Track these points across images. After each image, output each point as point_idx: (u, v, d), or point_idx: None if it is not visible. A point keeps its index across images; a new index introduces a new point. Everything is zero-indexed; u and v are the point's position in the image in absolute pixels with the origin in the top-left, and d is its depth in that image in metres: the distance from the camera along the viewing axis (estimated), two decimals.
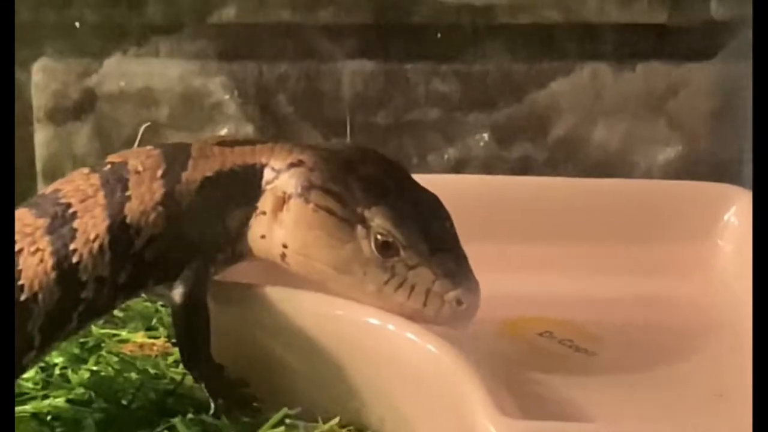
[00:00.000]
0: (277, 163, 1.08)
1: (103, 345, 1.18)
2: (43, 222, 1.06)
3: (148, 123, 1.25)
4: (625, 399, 1.07)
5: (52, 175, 1.25)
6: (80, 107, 1.27)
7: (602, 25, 1.26)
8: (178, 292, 1.07)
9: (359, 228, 1.05)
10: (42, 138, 1.27)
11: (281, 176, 1.07)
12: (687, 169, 1.27)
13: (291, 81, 1.26)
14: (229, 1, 1.26)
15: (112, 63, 1.26)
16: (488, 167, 1.27)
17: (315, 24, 1.25)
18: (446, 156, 1.27)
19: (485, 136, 1.26)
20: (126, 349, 1.18)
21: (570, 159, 1.27)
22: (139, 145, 1.16)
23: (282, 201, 1.07)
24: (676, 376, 1.10)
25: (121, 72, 1.26)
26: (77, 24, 1.26)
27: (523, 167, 1.27)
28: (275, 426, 1.05)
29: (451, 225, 1.07)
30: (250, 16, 1.25)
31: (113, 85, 1.26)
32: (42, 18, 1.25)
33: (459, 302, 1.04)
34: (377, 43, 1.26)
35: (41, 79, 1.26)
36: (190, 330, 1.08)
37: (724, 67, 1.26)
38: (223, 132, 1.27)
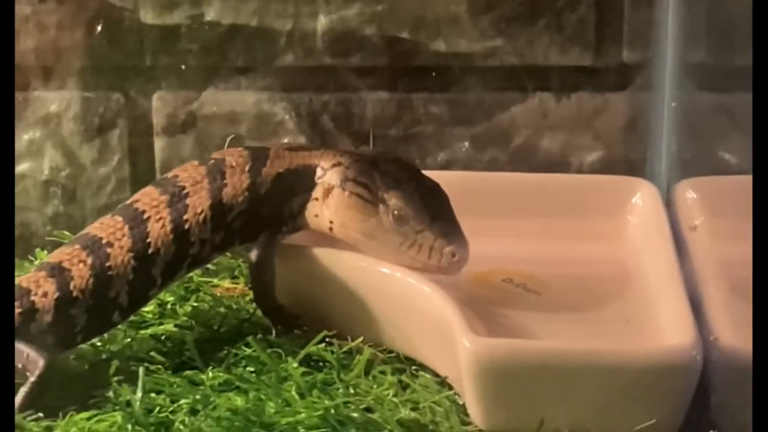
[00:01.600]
0: (325, 163, 1.08)
1: (200, 288, 1.18)
2: (165, 198, 1.07)
3: (232, 135, 1.25)
4: (562, 326, 1.07)
5: (166, 172, 1.24)
6: (185, 125, 1.27)
7: (547, 66, 1.25)
8: (254, 254, 1.08)
9: (381, 207, 1.06)
10: (159, 146, 1.27)
11: (327, 173, 1.08)
12: (607, 167, 1.27)
13: (331, 106, 1.26)
14: (288, 50, 1.25)
15: (208, 94, 1.26)
16: (467, 166, 1.27)
17: (347, 66, 1.25)
18: (438, 158, 1.27)
19: (466, 144, 1.26)
20: (216, 291, 1.18)
21: (525, 160, 1.27)
22: None
23: (328, 190, 1.07)
24: (597, 309, 1.09)
25: (214, 100, 1.26)
26: (183, 67, 1.25)
27: (492, 166, 1.27)
28: (317, 343, 1.05)
29: (448, 202, 1.07)
30: (302, 61, 1.25)
31: (208, 110, 1.26)
32: (159, 63, 1.26)
33: (453, 255, 1.04)
34: (391, 79, 1.26)
35: (159, 105, 1.26)
36: (261, 280, 1.09)
37: (632, 96, 1.26)
38: (285, 141, 1.25)
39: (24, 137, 1.27)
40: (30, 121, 1.27)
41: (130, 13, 1.24)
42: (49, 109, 1.27)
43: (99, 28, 1.24)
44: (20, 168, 1.28)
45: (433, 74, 1.25)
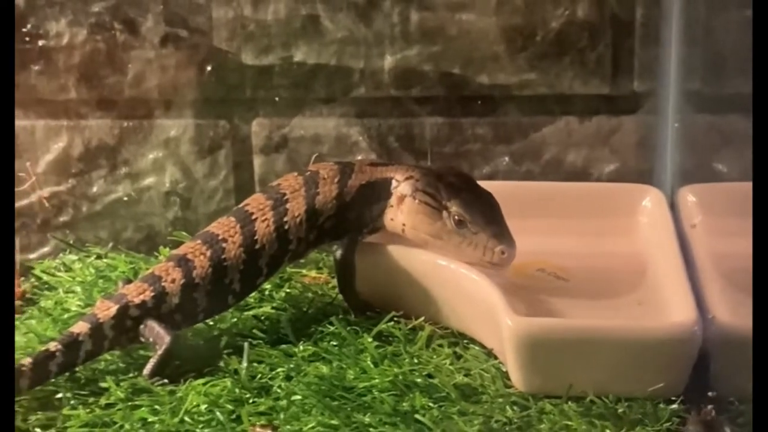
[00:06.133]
0: (399, 176, 1.08)
1: (292, 277, 1.18)
2: (269, 202, 1.07)
3: (316, 154, 1.25)
4: (586, 307, 1.07)
5: (264, 185, 1.24)
6: (279, 145, 1.27)
7: (572, 95, 1.25)
8: (338, 252, 1.09)
9: (444, 212, 1.06)
10: (257, 163, 1.27)
11: (401, 184, 1.08)
12: (621, 177, 1.26)
13: (396, 129, 1.26)
14: (361, 84, 1.25)
15: (297, 120, 1.26)
16: (507, 177, 1.26)
17: (409, 96, 1.25)
18: (484, 171, 1.26)
19: (506, 159, 1.25)
20: (304, 279, 1.18)
21: (554, 171, 1.26)
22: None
23: (402, 199, 1.08)
24: (614, 293, 1.09)
25: (301, 125, 1.26)
26: (276, 98, 1.25)
27: (527, 177, 1.26)
28: (387, 322, 1.06)
29: (499, 208, 1.07)
30: (372, 93, 1.25)
31: (297, 133, 1.26)
32: (257, 96, 1.26)
33: (503, 252, 1.04)
34: (445, 107, 1.25)
35: (257, 129, 1.26)
36: (344, 272, 1.09)
37: (642, 118, 1.25)
38: (359, 158, 1.25)
39: (149, 156, 1.28)
40: (154, 143, 1.28)
41: (234, 56, 1.25)
42: (169, 134, 1.27)
43: (209, 68, 1.25)
44: (146, 182, 1.29)
45: (479, 102, 1.25)
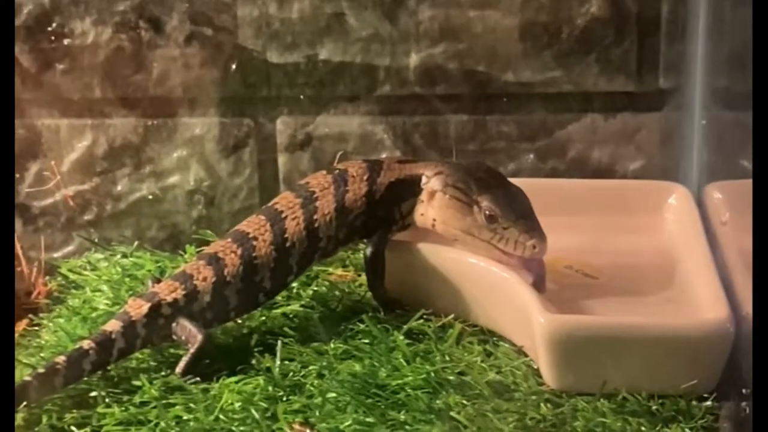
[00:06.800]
0: (429, 172, 1.09)
1: (318, 276, 1.19)
2: (299, 201, 1.07)
3: (341, 152, 1.25)
4: (615, 304, 1.07)
5: (288, 183, 1.24)
6: (303, 143, 1.27)
7: (597, 92, 1.24)
8: (368, 250, 1.09)
9: (475, 208, 1.06)
10: (282, 161, 1.27)
11: (431, 180, 1.08)
12: (646, 174, 1.26)
13: (421, 126, 1.26)
14: (385, 82, 1.25)
15: (321, 118, 1.26)
16: (532, 174, 1.26)
17: (434, 94, 1.25)
18: (508, 168, 1.26)
19: (531, 156, 1.25)
20: (332, 277, 1.19)
21: (579, 169, 1.26)
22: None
23: (432, 194, 1.08)
24: (643, 290, 1.09)
25: (326, 123, 1.26)
26: (301, 97, 1.25)
27: (552, 174, 1.26)
28: (417, 319, 1.07)
29: (529, 203, 1.07)
30: (397, 91, 1.25)
31: (321, 131, 1.26)
32: (282, 94, 1.25)
33: (534, 247, 1.04)
34: (469, 104, 1.25)
35: (282, 127, 1.26)
36: (373, 271, 1.10)
37: (667, 115, 1.25)
38: (384, 156, 1.24)
39: (174, 155, 1.28)
40: (178, 142, 1.28)
41: (259, 54, 1.25)
42: (194, 132, 1.28)
43: (233, 66, 1.25)
44: (170, 180, 1.29)
45: (504, 100, 1.26)
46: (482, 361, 1.02)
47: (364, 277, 1.13)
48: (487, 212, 1.05)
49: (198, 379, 1.00)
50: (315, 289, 1.16)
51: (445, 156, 1.26)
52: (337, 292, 1.14)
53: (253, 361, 1.02)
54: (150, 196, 1.29)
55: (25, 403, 0.95)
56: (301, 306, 1.12)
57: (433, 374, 0.98)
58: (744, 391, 0.96)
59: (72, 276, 1.22)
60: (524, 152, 1.27)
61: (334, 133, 1.27)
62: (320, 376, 1.00)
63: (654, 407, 0.95)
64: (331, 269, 1.20)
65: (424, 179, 1.09)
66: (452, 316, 1.07)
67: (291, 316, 1.11)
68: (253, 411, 0.95)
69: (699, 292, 1.03)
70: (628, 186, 1.23)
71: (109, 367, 1.02)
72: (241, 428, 0.94)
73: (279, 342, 1.03)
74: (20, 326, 1.12)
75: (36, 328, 1.13)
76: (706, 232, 1.12)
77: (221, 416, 0.95)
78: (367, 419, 0.93)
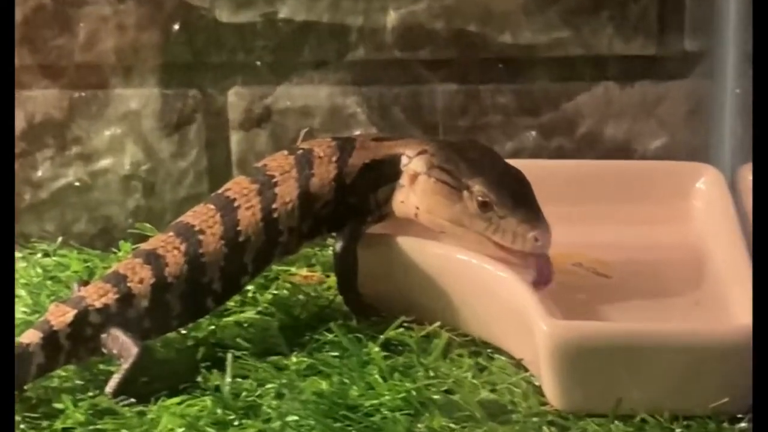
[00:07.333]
0: (410, 152, 1.08)
1: (279, 276, 1.18)
2: (255, 186, 1.07)
3: (306, 129, 1.24)
4: (632, 308, 1.07)
5: (242, 166, 1.25)
6: (261, 119, 1.26)
7: (611, 56, 1.24)
8: (338, 245, 1.09)
9: (465, 193, 1.06)
10: (235, 140, 1.27)
11: (413, 161, 1.08)
12: (670, 153, 1.26)
13: (402, 98, 1.26)
14: (359, 45, 1.25)
15: (282, 89, 1.26)
16: (535, 155, 1.26)
17: (417, 59, 1.25)
18: (506, 147, 1.26)
19: (533, 133, 1.25)
20: (294, 279, 1.18)
21: (590, 148, 1.26)
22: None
23: (414, 177, 1.08)
24: (666, 291, 1.09)
25: (288, 95, 1.26)
26: (258, 63, 1.25)
27: (559, 154, 1.26)
28: (395, 329, 1.06)
29: (530, 189, 1.06)
30: (373, 55, 1.25)
31: (282, 104, 1.26)
32: (235, 60, 1.25)
33: (536, 239, 1.04)
34: (459, 71, 1.25)
35: (234, 100, 1.26)
36: (344, 271, 1.10)
37: (694, 83, 1.24)
38: (357, 133, 1.25)
39: (105, 134, 1.28)
40: (111, 118, 1.28)
41: (207, 12, 1.24)
42: (129, 106, 1.27)
43: (176, 27, 1.25)
44: (102, 163, 1.29)
45: (500, 66, 1.25)
46: (473, 377, 1.01)
47: (333, 279, 1.13)
48: (479, 198, 1.05)
49: (133, 400, 1.00)
50: (275, 292, 1.15)
51: (431, 133, 1.26)
52: (301, 297, 1.14)
53: (199, 379, 1.02)
54: (77, 183, 1.29)
55: None
56: (258, 313, 1.12)
57: (414, 393, 0.98)
58: None
59: None
60: (525, 128, 1.26)
61: (298, 106, 1.26)
62: (279, 395, 0.99)
63: (678, 430, 0.95)
64: (294, 269, 1.19)
65: (404, 160, 1.08)
66: (438, 323, 1.07)
67: (245, 324, 1.10)
68: None
69: (731, 294, 1.03)
70: (648, 168, 1.23)
71: (26, 387, 1.01)
72: None
73: (229, 355, 1.02)
74: None
75: None
76: (740, 221, 1.12)
77: None
78: None
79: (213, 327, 1.10)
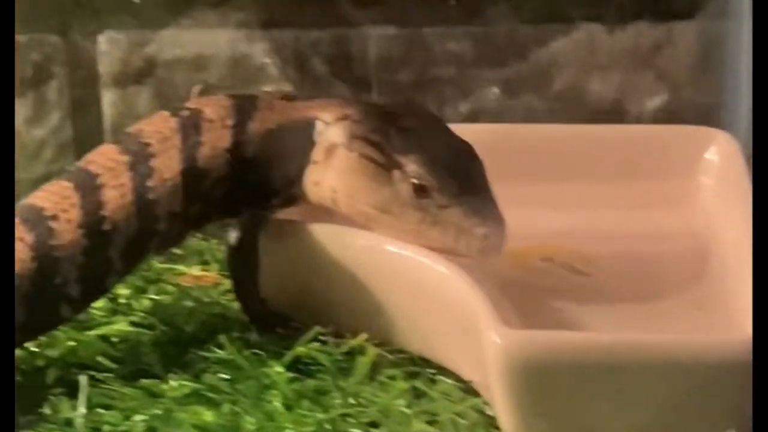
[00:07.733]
0: (327, 116, 1.08)
1: (161, 277, 1.18)
2: (125, 158, 1.07)
3: (200, 85, 1.25)
4: (617, 314, 1.07)
5: (118, 134, 1.24)
6: (141, 73, 1.27)
7: None
8: (233, 236, 1.09)
9: (396, 173, 1.05)
10: (108, 100, 1.28)
11: (330, 129, 1.08)
12: (672, 115, 1.27)
13: (324, 45, 1.26)
14: None
15: (168, 34, 1.26)
16: (498, 118, 1.27)
17: None
18: (461, 108, 1.27)
19: (495, 90, 1.26)
20: (182, 280, 1.19)
21: (569, 108, 1.27)
22: None
23: (331, 150, 1.07)
24: (661, 293, 1.10)
25: (176, 41, 1.26)
26: (137, 0, 1.24)
27: (528, 117, 1.27)
28: (308, 342, 1.06)
29: (482, 169, 1.06)
30: None
31: (169, 53, 1.26)
32: None
33: (485, 236, 1.03)
34: (398, 10, 1.26)
35: (106, 49, 1.27)
36: (242, 268, 1.10)
37: (702, 25, 1.25)
38: (269, 89, 1.27)
39: None
40: None
41: None
42: None
43: None
44: None
45: (452, 2, 1.25)
46: (408, 406, 1.01)
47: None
48: (414, 181, 1.04)
49: None
50: (155, 297, 1.16)
51: (362, 92, 1.27)
52: (188, 303, 1.14)
53: (47, 410, 1.01)
54: None
55: None
56: (132, 324, 1.12)
57: (328, 425, 0.98)
58: None
59: None
60: (485, 83, 1.27)
61: (190, 56, 1.27)
62: (151, 430, 0.99)
63: None
64: (182, 267, 1.20)
65: (319, 126, 1.08)
66: (364, 336, 1.07)
67: (114, 339, 1.10)
68: None
69: (741, 297, 1.02)
70: (643, 134, 1.23)
71: None
72: None
73: (83, 378, 1.02)
74: None
75: None
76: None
77: None
78: None
79: (73, 342, 1.10)
